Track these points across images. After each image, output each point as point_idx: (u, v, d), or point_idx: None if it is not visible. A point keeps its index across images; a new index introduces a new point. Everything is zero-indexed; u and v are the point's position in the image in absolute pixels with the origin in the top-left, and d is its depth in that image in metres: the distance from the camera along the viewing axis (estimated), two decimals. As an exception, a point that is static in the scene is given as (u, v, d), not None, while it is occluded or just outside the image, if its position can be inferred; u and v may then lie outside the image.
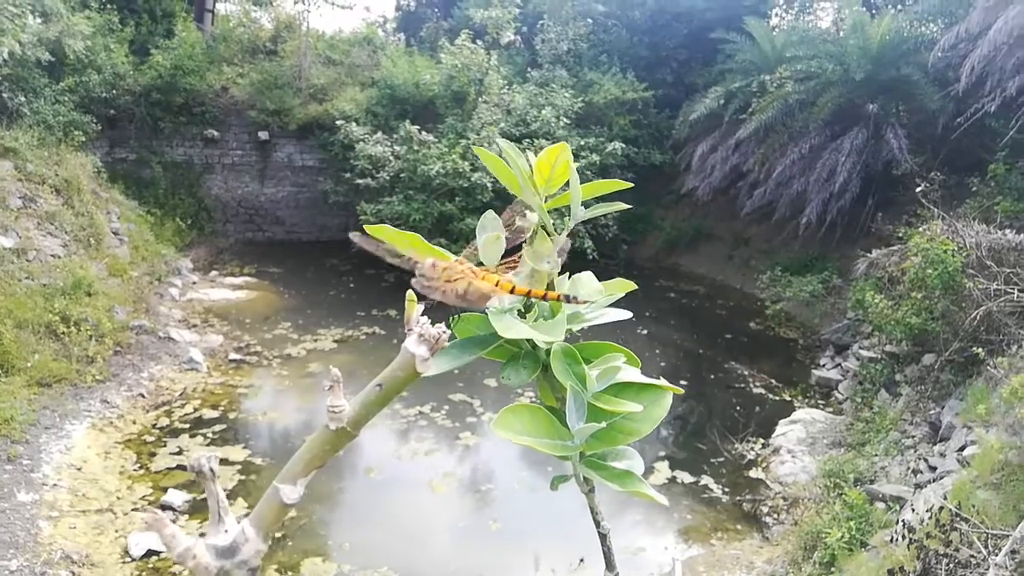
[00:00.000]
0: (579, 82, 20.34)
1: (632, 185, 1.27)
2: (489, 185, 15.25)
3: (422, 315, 0.88)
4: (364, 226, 1.05)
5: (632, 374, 1.09)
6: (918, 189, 11.60)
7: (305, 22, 20.47)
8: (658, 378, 1.10)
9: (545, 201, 1.10)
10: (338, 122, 17.32)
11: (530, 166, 1.09)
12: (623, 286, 1.22)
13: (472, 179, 15.43)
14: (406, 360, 0.84)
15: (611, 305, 1.20)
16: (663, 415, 1.05)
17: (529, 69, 20.68)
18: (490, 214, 1.12)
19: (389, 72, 19.30)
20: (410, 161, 16.19)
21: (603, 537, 1.15)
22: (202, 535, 0.73)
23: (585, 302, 1.08)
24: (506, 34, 21.43)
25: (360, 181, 16.31)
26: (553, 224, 1.12)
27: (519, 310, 1.09)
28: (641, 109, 20.52)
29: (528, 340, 1.08)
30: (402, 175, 16.25)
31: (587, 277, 1.20)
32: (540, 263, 1.08)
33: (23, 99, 13.99)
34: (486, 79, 18.19)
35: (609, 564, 1.17)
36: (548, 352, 1.07)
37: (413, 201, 15.84)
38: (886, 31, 15.13)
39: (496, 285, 1.02)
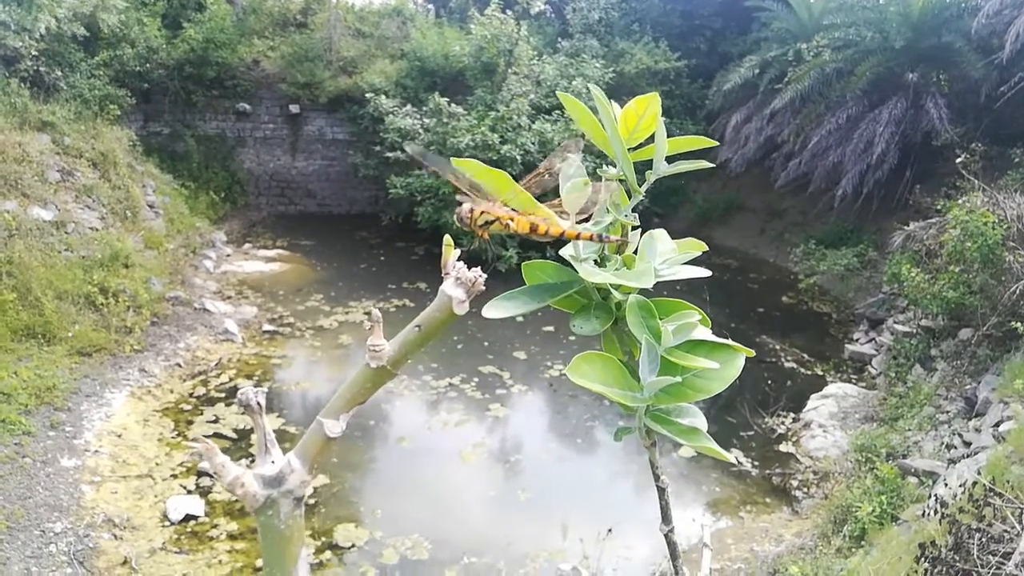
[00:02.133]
0: (610, 52, 20.08)
1: (718, 143, 1.24)
2: (519, 157, 15.19)
3: (458, 259, 0.89)
4: (453, 160, 1.04)
5: (704, 333, 1.08)
6: (958, 160, 11.34)
7: (335, -6, 20.44)
8: (728, 339, 1.09)
9: (629, 152, 1.08)
10: (368, 95, 17.33)
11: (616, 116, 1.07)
12: (695, 246, 1.20)
13: (501, 151, 15.37)
14: (443, 302, 0.85)
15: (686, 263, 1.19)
16: (735, 375, 1.04)
17: (559, 39, 20.46)
18: (575, 160, 1.10)
19: (418, 44, 19.22)
20: (439, 134, 16.16)
21: (661, 491, 1.16)
22: (250, 465, 0.75)
23: (615, 240, 1.06)
24: (536, 4, 21.17)
25: (390, 154, 16.33)
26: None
27: (595, 260, 1.08)
28: (673, 79, 20.22)
29: (600, 291, 1.07)
30: (432, 147, 16.24)
31: (660, 233, 1.18)
32: (620, 213, 1.07)
33: (59, 74, 14.19)
34: (516, 50, 18.02)
35: (666, 517, 1.18)
36: (619, 305, 1.06)
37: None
38: (927, -3, 14.72)
39: (531, 228, 1.02)
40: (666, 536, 1.20)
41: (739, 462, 9.45)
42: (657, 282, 1.07)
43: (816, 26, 17.29)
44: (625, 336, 1.06)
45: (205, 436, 9.07)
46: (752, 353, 1.08)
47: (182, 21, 17.96)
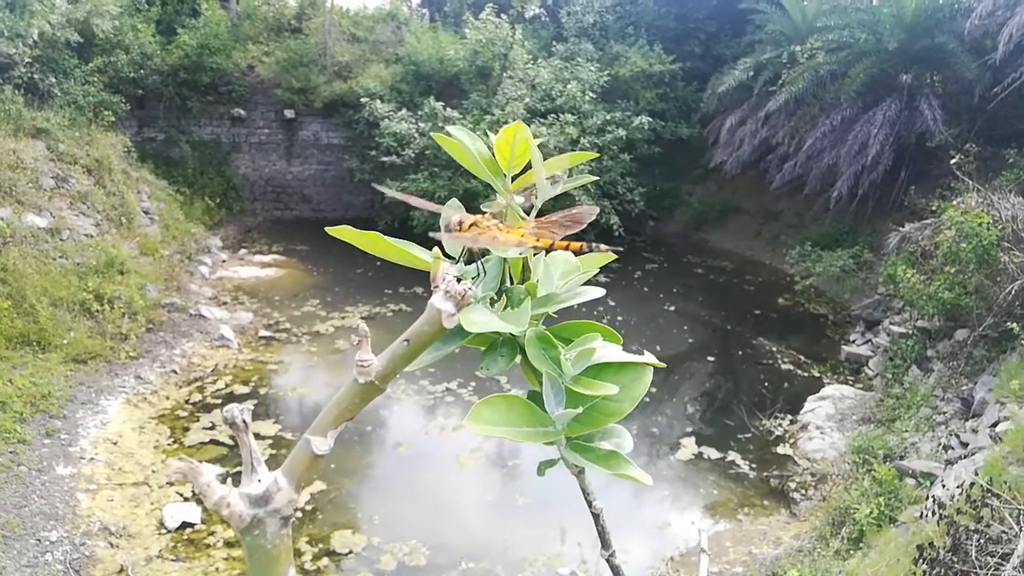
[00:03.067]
0: (605, 55, 20.10)
1: (598, 155, 1.24)
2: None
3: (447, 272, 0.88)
4: (327, 229, 1.04)
5: (611, 353, 1.06)
6: (952, 161, 11.37)
7: (329, -1, 20.46)
8: (643, 352, 1.08)
9: (512, 181, 1.09)
10: (363, 99, 17.34)
11: (490, 148, 1.08)
12: (600, 259, 1.18)
13: (497, 156, 15.35)
14: (432, 316, 0.85)
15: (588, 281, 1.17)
16: (643, 392, 1.02)
17: (554, 43, 20.48)
18: (454, 201, 1.09)
19: (413, 48, 19.24)
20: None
21: (596, 517, 1.15)
22: (236, 484, 0.74)
23: (608, 250, 1.06)
24: (531, 7, 21.24)
25: (385, 159, 16.35)
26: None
27: (491, 298, 1.07)
28: (668, 82, 20.25)
29: None
30: (427, 152, 16.25)
31: (561, 255, 1.16)
32: (508, 251, 1.05)
33: (53, 80, 14.17)
34: (511, 54, 18.05)
35: (604, 543, 1.18)
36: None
37: (438, 178, 15.85)
38: (921, -2, 14.76)
39: (521, 237, 1.01)
40: (608, 561, 1.20)
41: (735, 464, 9.45)
42: (561, 308, 1.07)
43: (810, 28, 17.33)
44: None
45: (201, 443, 9.08)
46: (662, 365, 1.06)
47: (176, 27, 17.97)
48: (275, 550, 0.76)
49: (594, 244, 1.04)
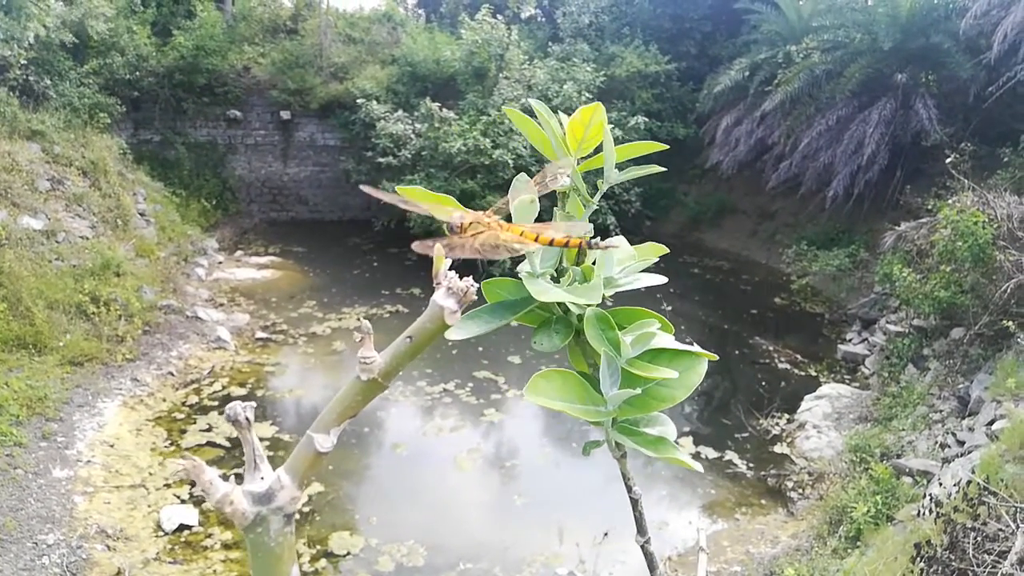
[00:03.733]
0: (601, 56, 20.13)
1: (668, 147, 1.23)
2: (510, 162, 15.21)
3: (450, 269, 0.88)
4: (396, 187, 1.05)
5: (666, 340, 1.06)
6: (948, 160, 11.39)
7: (325, 0, 20.45)
8: (692, 344, 1.08)
9: (578, 163, 1.08)
10: (359, 100, 17.33)
11: (562, 127, 1.06)
12: (655, 250, 1.20)
13: (493, 156, 15.38)
14: (435, 313, 0.84)
15: (644, 270, 1.19)
16: (698, 381, 1.03)
17: (550, 43, 20.51)
18: (523, 176, 1.09)
19: (409, 49, 19.24)
20: (431, 139, 16.17)
21: (635, 502, 1.15)
22: (239, 482, 0.74)
23: (607, 247, 1.06)
24: (527, 8, 21.23)
25: (382, 160, 16.33)
26: (586, 188, 1.10)
27: (552, 275, 1.08)
28: (664, 82, 20.28)
29: (560, 305, 1.06)
30: (423, 153, 16.24)
31: (619, 241, 1.16)
32: (573, 228, 1.05)
33: (49, 82, 14.14)
34: (507, 54, 18.05)
35: (640, 529, 1.17)
36: (580, 318, 1.05)
37: (435, 179, 15.84)
38: (916, -2, 14.81)
39: (521, 235, 1.02)
40: (642, 547, 1.20)
41: (734, 464, 9.46)
42: (619, 291, 1.08)
43: (805, 28, 17.38)
44: (588, 348, 1.06)
45: (198, 445, 9.06)
46: (714, 357, 1.07)
47: (172, 28, 17.96)
48: (278, 548, 0.76)
49: (594, 240, 1.04)
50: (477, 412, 10.34)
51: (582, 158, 1.08)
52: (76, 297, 10.78)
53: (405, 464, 9.26)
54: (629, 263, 1.15)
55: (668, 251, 1.24)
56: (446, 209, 1.04)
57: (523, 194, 1.06)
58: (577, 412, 1.00)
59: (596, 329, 1.03)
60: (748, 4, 19.04)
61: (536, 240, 1.02)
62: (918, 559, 5.06)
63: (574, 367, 1.12)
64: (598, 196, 1.10)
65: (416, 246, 0.97)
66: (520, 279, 1.05)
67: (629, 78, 19.51)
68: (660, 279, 1.18)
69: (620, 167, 1.14)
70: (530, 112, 1.11)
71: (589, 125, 1.05)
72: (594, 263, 1.10)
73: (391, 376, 0.83)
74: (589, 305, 1.03)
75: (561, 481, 9.04)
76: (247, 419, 0.74)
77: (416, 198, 1.04)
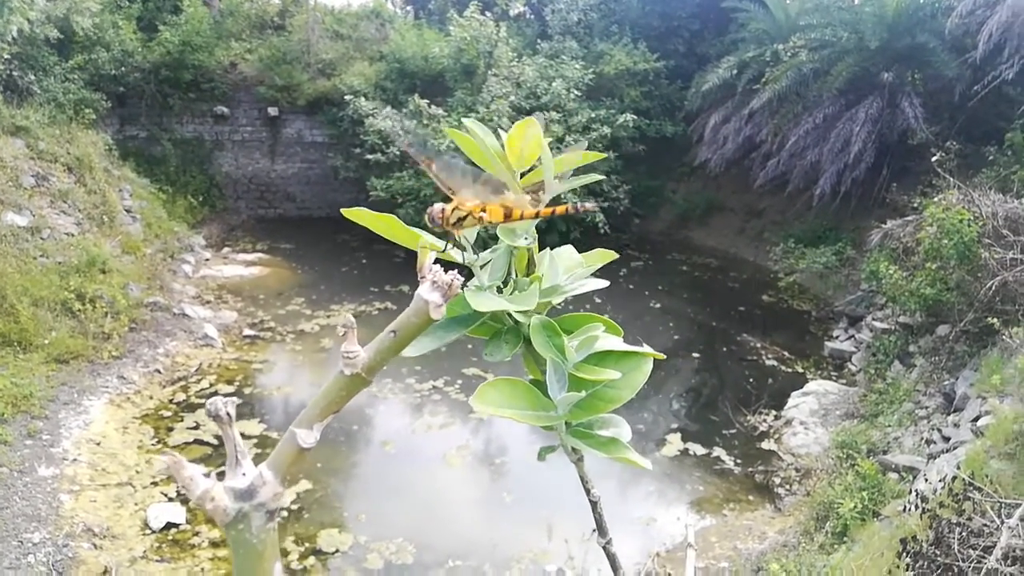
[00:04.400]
0: (589, 53, 20.11)
1: (607, 155, 1.25)
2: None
3: (434, 263, 0.88)
4: (342, 211, 1.07)
5: (612, 342, 1.09)
6: (934, 158, 11.46)
7: (313, -4, 20.35)
8: (641, 344, 1.11)
9: (521, 177, 1.10)
10: (347, 97, 17.26)
11: (501, 143, 1.09)
12: (603, 256, 1.22)
13: (482, 153, 15.34)
14: (419, 307, 0.84)
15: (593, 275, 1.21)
16: (643, 380, 1.06)
17: (539, 41, 20.47)
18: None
19: (398, 46, 19.17)
20: (420, 136, 16.11)
21: (593, 504, 1.17)
22: (220, 477, 0.74)
23: (592, 208, 1.10)
24: (516, 5, 21.21)
25: (370, 156, 16.28)
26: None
27: (499, 287, 1.10)
28: (652, 80, 20.29)
29: (510, 316, 1.09)
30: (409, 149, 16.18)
31: (566, 251, 1.21)
32: (516, 239, 1.09)
33: (33, 77, 14.01)
34: (495, 51, 18.01)
35: (601, 530, 1.20)
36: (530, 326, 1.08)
37: (424, 176, 15.79)
38: (902, -3, 14.88)
39: (506, 213, 1.04)
40: (604, 549, 1.23)
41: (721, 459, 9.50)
42: (566, 297, 1.10)
43: (793, 27, 17.42)
44: (538, 356, 1.08)
45: (185, 443, 9.01)
46: (661, 356, 1.10)
47: (158, 24, 17.82)
48: (260, 544, 0.76)
49: (579, 204, 1.08)
50: (466, 409, 10.32)
51: (524, 172, 1.11)
52: (61, 294, 10.69)
53: (394, 461, 9.25)
54: (576, 269, 1.18)
55: (617, 256, 1.26)
56: (390, 232, 1.06)
57: (489, 186, 1.07)
58: (527, 419, 1.03)
59: (543, 336, 1.06)
60: (736, 3, 19.05)
61: (522, 216, 1.05)
62: (904, 554, 5.10)
63: (528, 374, 1.15)
64: (541, 205, 1.11)
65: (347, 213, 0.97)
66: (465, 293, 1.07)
67: (618, 76, 19.51)
68: (602, 283, 1.20)
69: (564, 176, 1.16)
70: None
71: (526, 139, 1.07)
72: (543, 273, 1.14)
73: (375, 371, 0.82)
74: (535, 313, 1.07)
75: (550, 478, 9.03)
76: (228, 414, 0.73)
77: (361, 220, 1.07)
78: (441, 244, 1.06)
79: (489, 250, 1.11)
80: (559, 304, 1.15)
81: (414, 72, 18.67)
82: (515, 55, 18.53)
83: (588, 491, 1.16)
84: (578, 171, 1.19)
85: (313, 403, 0.82)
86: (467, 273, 1.07)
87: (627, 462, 1.04)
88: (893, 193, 13.18)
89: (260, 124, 19.21)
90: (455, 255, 1.07)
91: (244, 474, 0.75)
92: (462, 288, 0.91)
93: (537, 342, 1.05)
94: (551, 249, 1.19)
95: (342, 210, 1.06)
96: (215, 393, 10.22)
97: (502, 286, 1.11)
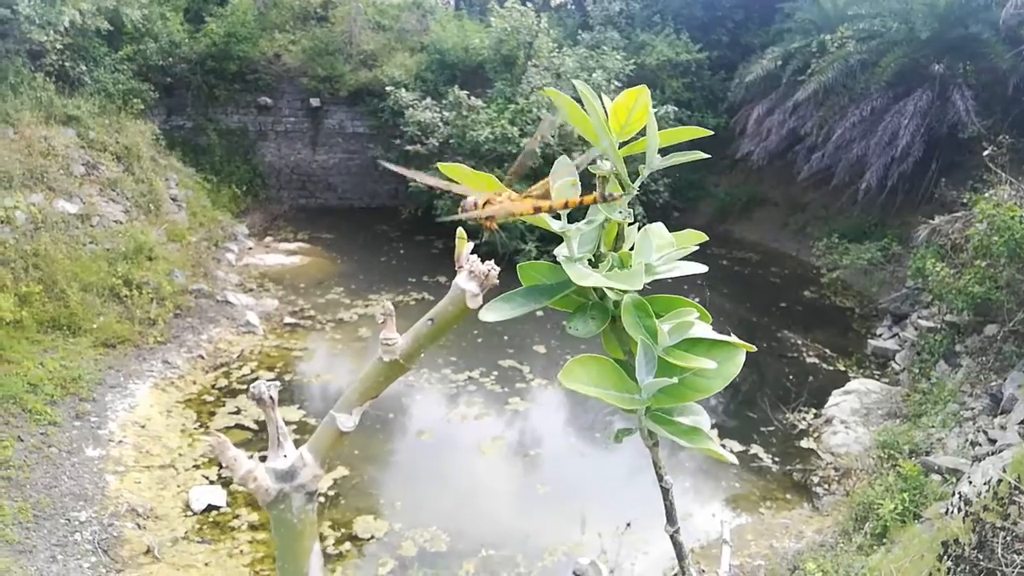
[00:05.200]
0: (631, 44, 19.94)
1: (712, 132, 1.20)
2: (538, 151, 15.15)
3: (472, 252, 0.88)
4: (439, 165, 1.05)
5: (703, 330, 1.05)
6: (985, 153, 11.15)
7: (355, -13, 20.49)
8: (730, 335, 1.06)
9: (620, 147, 1.06)
10: (388, 88, 17.37)
11: (606, 110, 1.04)
12: (694, 237, 1.18)
13: (521, 145, 15.33)
14: (457, 296, 0.85)
15: (684, 258, 1.16)
16: (735, 372, 1.01)
17: (580, 31, 20.35)
18: (564, 159, 1.08)
19: (438, 37, 19.22)
20: (459, 127, 16.16)
21: (665, 491, 1.14)
22: (263, 459, 0.77)
23: (619, 198, 1.03)
24: (557, -4, 21.07)
25: (409, 147, 16.37)
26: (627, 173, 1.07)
27: (589, 260, 1.07)
28: (695, 71, 20.05)
29: (596, 290, 1.05)
30: (451, 141, 16.25)
31: (658, 228, 1.16)
32: (613, 212, 1.05)
33: (84, 68, 14.35)
34: (536, 42, 17.95)
35: (671, 519, 1.16)
36: (616, 304, 1.05)
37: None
38: (954, -14, 14.47)
39: (535, 207, 1.01)
40: (671, 537, 1.19)
41: (759, 457, 9.40)
42: (656, 280, 1.05)
43: (840, 17, 17.05)
44: (624, 335, 1.04)
45: (227, 427, 9.20)
46: (753, 348, 1.05)
47: (204, 15, 18.10)
48: (300, 524, 0.77)
49: (608, 193, 1.02)
50: (502, 400, 10.37)
51: (623, 142, 1.06)
52: (109, 280, 10.98)
53: (429, 450, 9.33)
54: (668, 250, 1.13)
55: (707, 238, 1.21)
56: (486, 186, 1.03)
57: (564, 176, 1.05)
58: (611, 399, 0.99)
59: (633, 316, 1.02)
60: (782, -8, 18.77)
61: (551, 208, 1.02)
62: (945, 557, 5.01)
63: (609, 354, 1.10)
64: (639, 181, 1.08)
65: (389, 165, 0.97)
66: (557, 263, 1.04)
67: (659, 67, 19.31)
68: (700, 267, 1.16)
69: (663, 152, 1.10)
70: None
71: (633, 108, 1.03)
72: (631, 249, 1.09)
73: (413, 358, 0.83)
74: (627, 291, 1.02)
75: (584, 471, 9.05)
76: (271, 397, 0.75)
77: (458, 176, 1.04)
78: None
79: (584, 221, 1.07)
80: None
81: (454, 63, 18.71)
82: (555, 46, 18.45)
83: (661, 477, 1.12)
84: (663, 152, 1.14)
85: (352, 388, 0.83)
86: (508, 265, 1.06)
87: (709, 452, 1.02)
88: (942, 188, 12.86)
89: (303, 115, 19.43)
90: (550, 222, 1.04)
91: (285, 456, 0.77)
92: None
93: (628, 322, 1.01)
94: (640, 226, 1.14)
95: (439, 164, 1.05)
96: (256, 379, 10.39)
97: (593, 259, 1.08)
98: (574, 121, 1.06)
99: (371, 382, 0.83)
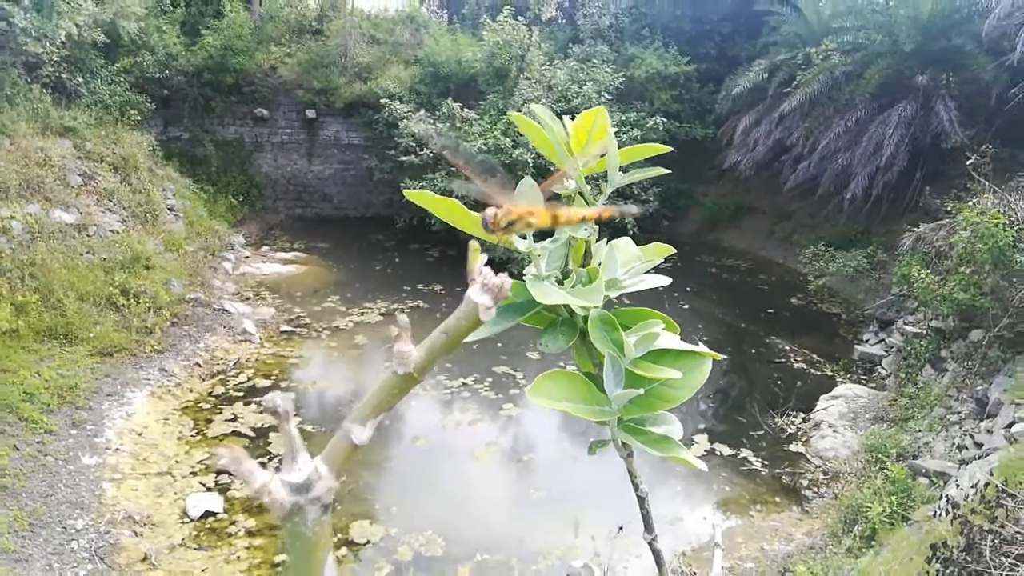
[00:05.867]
0: (620, 57, 20.15)
1: (671, 149, 1.26)
2: (530, 161, 15.31)
3: (484, 265, 0.87)
4: (405, 193, 1.09)
5: (671, 340, 1.07)
6: (968, 162, 11.33)
7: (350, 1, 20.64)
8: (698, 344, 1.10)
9: (583, 167, 1.09)
10: (382, 100, 17.51)
11: (567, 132, 1.08)
12: (660, 251, 1.20)
13: (513, 155, 15.49)
14: (469, 309, 0.83)
15: (650, 271, 1.18)
16: (702, 381, 1.04)
17: (571, 44, 20.55)
18: (528, 180, 1.08)
19: (432, 50, 19.39)
20: (452, 138, 16.26)
21: (641, 500, 1.16)
22: (277, 471, 0.78)
23: (636, 212, 1.09)
24: (548, 9, 21.31)
25: (404, 158, 16.50)
26: (591, 191, 1.12)
27: (557, 277, 1.08)
28: (683, 83, 20.26)
29: (566, 307, 1.06)
30: (445, 152, 16.37)
31: (623, 243, 1.18)
32: (577, 230, 1.08)
33: (80, 80, 14.45)
34: (528, 55, 18.15)
35: (648, 526, 1.20)
36: (586, 319, 1.06)
37: (456, 177, 15.91)
38: (937, -1, 14.70)
39: (553, 218, 1.03)
40: (650, 544, 1.23)
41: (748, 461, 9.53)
42: (622, 293, 1.09)
43: (825, 29, 17.28)
44: (594, 349, 1.07)
45: (223, 435, 9.28)
46: (719, 357, 1.10)
47: (201, 28, 18.24)
48: (315, 536, 0.80)
49: (624, 207, 1.07)
50: (495, 406, 10.48)
51: (587, 162, 1.09)
52: (106, 289, 11.05)
53: (425, 456, 9.43)
54: (634, 264, 1.15)
55: (675, 251, 1.24)
56: (451, 215, 1.06)
57: (528, 198, 1.06)
58: (581, 412, 1.01)
59: (600, 330, 1.04)
60: (768, 6, 18.97)
61: (569, 219, 1.05)
62: (934, 560, 5.10)
63: (580, 367, 1.13)
64: (603, 199, 1.11)
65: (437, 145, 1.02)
66: (525, 282, 1.05)
67: (648, 79, 19.52)
68: (665, 280, 1.18)
69: (626, 169, 1.16)
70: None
71: (592, 129, 1.06)
72: (600, 265, 1.11)
73: (426, 371, 0.84)
74: (592, 307, 1.04)
75: (577, 476, 9.16)
76: (286, 411, 0.76)
77: (424, 203, 1.07)
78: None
79: (549, 240, 1.08)
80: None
81: (447, 76, 18.88)
82: (547, 59, 18.66)
83: (636, 486, 1.15)
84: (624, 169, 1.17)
85: (366, 401, 0.85)
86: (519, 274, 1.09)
87: (680, 461, 1.02)
88: (926, 197, 13.04)
89: (298, 126, 19.56)
90: (517, 242, 1.04)
91: (300, 469, 0.79)
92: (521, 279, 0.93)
93: (595, 336, 1.03)
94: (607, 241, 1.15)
95: (405, 191, 1.07)
96: (253, 387, 10.51)
97: (561, 277, 1.09)
98: (537, 144, 1.12)
99: (385, 395, 0.86)
